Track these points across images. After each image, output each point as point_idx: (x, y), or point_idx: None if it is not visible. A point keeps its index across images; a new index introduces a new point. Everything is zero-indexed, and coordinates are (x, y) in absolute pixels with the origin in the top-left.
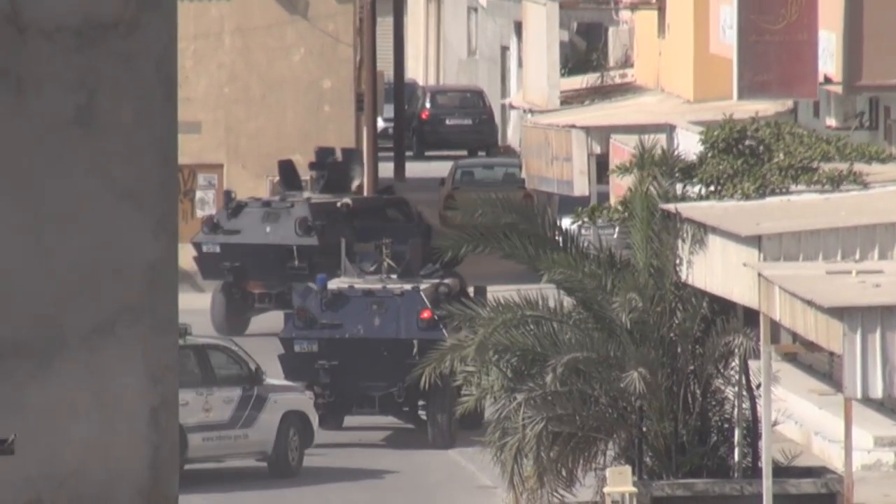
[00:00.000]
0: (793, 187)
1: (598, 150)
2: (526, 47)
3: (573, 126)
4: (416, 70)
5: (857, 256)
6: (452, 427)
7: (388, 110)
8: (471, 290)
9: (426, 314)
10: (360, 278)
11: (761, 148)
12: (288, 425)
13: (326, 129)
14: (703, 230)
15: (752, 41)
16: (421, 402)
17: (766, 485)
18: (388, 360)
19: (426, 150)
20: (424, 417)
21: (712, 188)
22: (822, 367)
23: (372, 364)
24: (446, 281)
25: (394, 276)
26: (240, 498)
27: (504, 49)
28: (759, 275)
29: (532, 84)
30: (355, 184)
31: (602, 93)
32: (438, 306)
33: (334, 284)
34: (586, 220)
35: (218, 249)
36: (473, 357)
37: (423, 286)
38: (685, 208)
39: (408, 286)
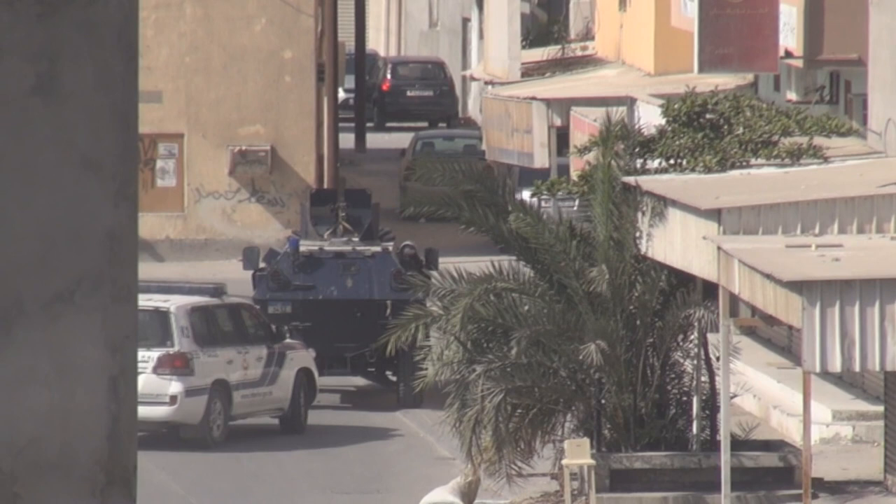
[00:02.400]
0: (753, 161)
1: (558, 122)
2: (487, 19)
3: (534, 98)
4: (378, 41)
5: (817, 230)
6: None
7: (349, 81)
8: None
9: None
10: (324, 241)
11: (722, 121)
12: (299, 382)
13: (287, 100)
14: (662, 203)
15: (713, 14)
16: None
17: (724, 458)
18: (361, 320)
19: (387, 121)
20: (393, 378)
21: (672, 161)
22: (780, 340)
23: (345, 325)
24: (409, 242)
25: (355, 239)
26: (189, 457)
27: (465, 21)
28: (719, 248)
29: (493, 56)
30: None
31: (563, 65)
32: (405, 267)
33: (304, 247)
34: (545, 193)
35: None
36: (452, 326)
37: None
38: (645, 181)
39: (377, 248)
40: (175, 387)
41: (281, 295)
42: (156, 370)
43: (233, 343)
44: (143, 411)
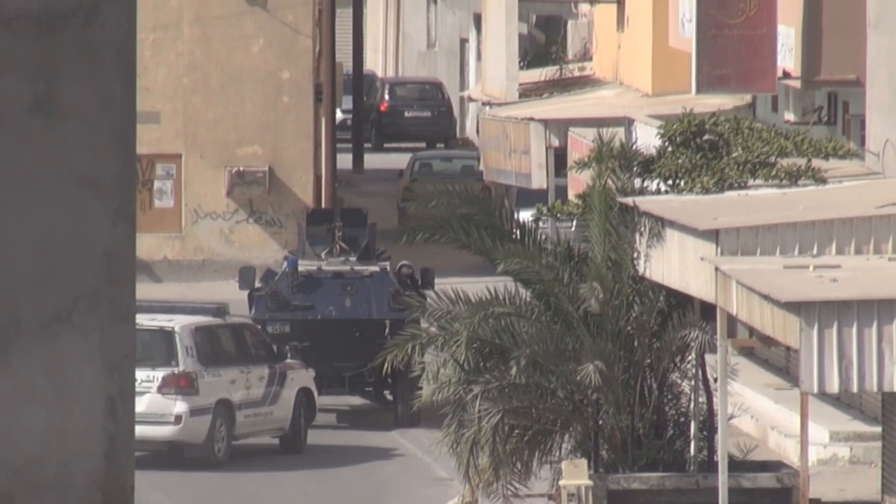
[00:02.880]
0: (751, 182)
1: (556, 143)
2: (485, 40)
3: (531, 119)
4: (375, 62)
5: (815, 251)
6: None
7: (347, 102)
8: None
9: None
10: (321, 261)
11: (720, 142)
12: (299, 402)
13: (285, 121)
14: (660, 224)
15: (710, 35)
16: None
17: (722, 479)
18: (360, 340)
19: (385, 141)
20: (390, 398)
21: (670, 182)
22: (778, 361)
23: (343, 345)
24: (406, 262)
25: (352, 259)
26: (195, 479)
27: (463, 41)
28: (717, 269)
29: (491, 76)
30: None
31: (561, 86)
32: (403, 287)
33: (303, 267)
34: (545, 214)
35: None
36: (454, 350)
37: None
38: (643, 202)
39: (375, 268)
40: (180, 406)
41: (280, 315)
42: (160, 390)
43: (236, 363)
44: (148, 431)
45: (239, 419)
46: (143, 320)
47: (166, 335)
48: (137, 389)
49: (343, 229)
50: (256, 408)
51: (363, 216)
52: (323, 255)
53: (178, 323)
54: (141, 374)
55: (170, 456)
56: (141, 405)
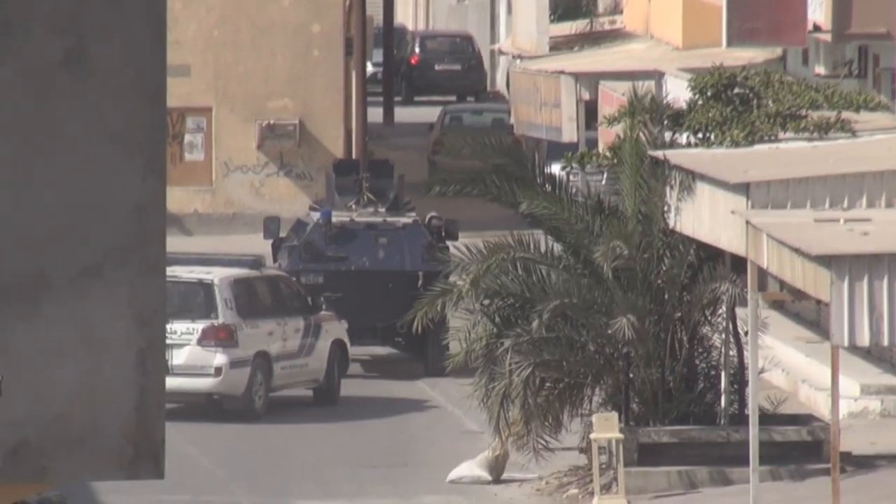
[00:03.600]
0: (781, 135)
1: (586, 96)
2: None
3: (562, 72)
4: (406, 15)
5: (846, 205)
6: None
7: (377, 55)
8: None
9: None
10: (352, 212)
11: (750, 95)
12: (333, 354)
13: (315, 74)
14: (691, 177)
15: None
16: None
17: (753, 432)
18: (393, 292)
19: (415, 95)
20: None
21: (701, 135)
22: (809, 314)
23: (376, 296)
24: (435, 214)
25: (382, 210)
26: (227, 431)
27: None
28: (747, 222)
29: (521, 30)
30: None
31: (591, 39)
32: (434, 239)
33: (336, 218)
34: (575, 165)
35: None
36: (467, 293)
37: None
38: (674, 155)
39: (408, 219)
40: (220, 358)
41: (313, 266)
42: (200, 342)
43: (272, 315)
44: (188, 383)
45: (276, 371)
46: (182, 272)
47: (206, 287)
48: (177, 341)
49: (370, 180)
50: (293, 360)
51: (390, 167)
52: (351, 205)
53: (216, 275)
54: (180, 326)
55: (207, 408)
56: (180, 357)
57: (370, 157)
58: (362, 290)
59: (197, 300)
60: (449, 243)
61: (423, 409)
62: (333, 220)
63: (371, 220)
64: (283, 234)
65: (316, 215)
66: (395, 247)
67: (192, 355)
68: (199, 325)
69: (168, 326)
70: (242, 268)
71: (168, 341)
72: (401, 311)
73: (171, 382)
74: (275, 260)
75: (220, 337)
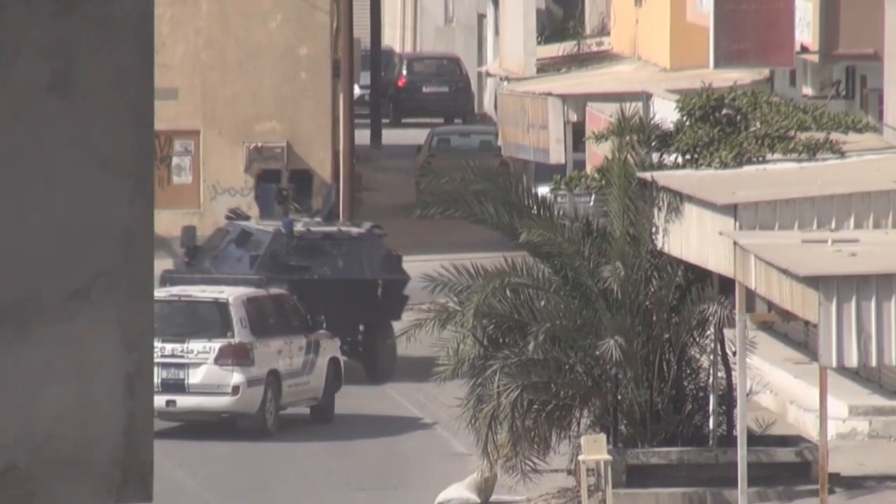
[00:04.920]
0: (769, 156)
1: (574, 118)
2: (503, 15)
3: (549, 94)
4: (393, 37)
5: (833, 225)
6: (393, 361)
7: (365, 77)
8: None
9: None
10: (308, 222)
11: (738, 117)
12: (329, 371)
13: (303, 97)
14: (679, 199)
15: (728, 9)
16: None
17: (741, 453)
18: (354, 300)
19: (403, 117)
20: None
21: (689, 157)
22: (797, 335)
23: (339, 304)
24: (374, 223)
25: (318, 219)
26: (214, 454)
27: (481, 17)
28: (735, 243)
29: (508, 52)
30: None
31: (578, 61)
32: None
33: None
34: (563, 188)
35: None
36: (471, 322)
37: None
38: (661, 177)
39: (361, 229)
40: (237, 377)
41: (278, 275)
42: (217, 361)
43: (280, 333)
44: (206, 402)
45: (284, 389)
46: (194, 292)
47: (221, 306)
48: (193, 360)
49: (294, 190)
50: (297, 377)
51: (310, 177)
52: (318, 218)
53: (230, 294)
54: (196, 345)
55: (219, 426)
56: (197, 376)
57: (291, 169)
58: (325, 298)
59: (212, 319)
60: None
61: (412, 431)
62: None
63: (327, 230)
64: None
65: (241, 223)
66: (354, 256)
67: (209, 374)
68: (216, 344)
69: (184, 345)
70: (248, 287)
71: (184, 360)
72: (360, 319)
73: (189, 401)
74: (188, 266)
75: (237, 356)
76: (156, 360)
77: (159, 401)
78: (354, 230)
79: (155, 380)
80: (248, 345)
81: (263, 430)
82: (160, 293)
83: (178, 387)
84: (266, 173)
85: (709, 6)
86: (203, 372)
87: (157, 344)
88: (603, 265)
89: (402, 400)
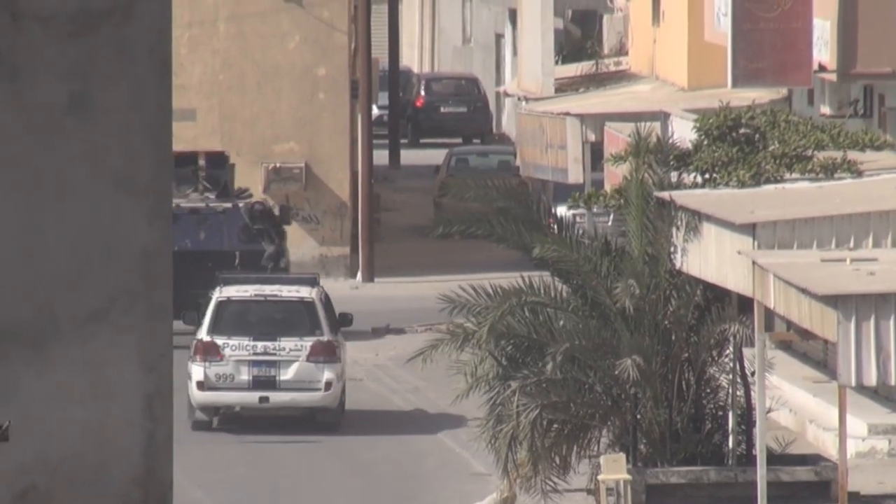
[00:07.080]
0: (787, 175)
1: (592, 137)
2: (520, 35)
3: (567, 114)
4: (411, 57)
5: (852, 244)
6: None
7: (383, 98)
8: (276, 210)
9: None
10: (183, 199)
11: (756, 136)
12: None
13: (321, 117)
14: (697, 218)
15: (746, 29)
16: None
17: (761, 472)
18: (212, 269)
19: (421, 137)
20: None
21: (707, 176)
22: (816, 354)
23: (198, 273)
24: (260, 200)
25: (211, 196)
26: (229, 476)
27: (499, 36)
28: (754, 263)
29: (527, 71)
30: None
31: (596, 80)
32: (255, 222)
33: None
34: (582, 205)
35: None
36: (486, 342)
37: (240, 204)
38: (680, 196)
39: (228, 204)
40: (328, 373)
41: None
42: (309, 358)
43: (338, 330)
44: (299, 397)
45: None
46: (279, 291)
47: (307, 305)
48: (285, 358)
49: (206, 170)
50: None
51: (225, 158)
52: (188, 193)
53: (312, 293)
54: (288, 343)
55: (303, 420)
56: (289, 373)
57: (208, 150)
58: (185, 269)
59: (300, 318)
60: (285, 227)
61: (431, 451)
62: None
63: (195, 205)
64: None
65: None
66: (215, 229)
67: (301, 371)
68: (307, 342)
69: (275, 343)
70: (304, 285)
71: (275, 358)
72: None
73: (282, 397)
74: None
75: (327, 353)
76: (247, 357)
77: (251, 397)
78: (221, 205)
79: (245, 377)
80: (335, 342)
81: (338, 425)
82: (245, 292)
83: (269, 384)
84: (182, 156)
85: (727, 25)
86: (295, 369)
87: (249, 342)
88: (617, 284)
89: (425, 433)
